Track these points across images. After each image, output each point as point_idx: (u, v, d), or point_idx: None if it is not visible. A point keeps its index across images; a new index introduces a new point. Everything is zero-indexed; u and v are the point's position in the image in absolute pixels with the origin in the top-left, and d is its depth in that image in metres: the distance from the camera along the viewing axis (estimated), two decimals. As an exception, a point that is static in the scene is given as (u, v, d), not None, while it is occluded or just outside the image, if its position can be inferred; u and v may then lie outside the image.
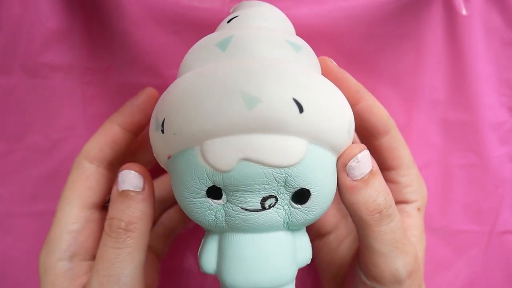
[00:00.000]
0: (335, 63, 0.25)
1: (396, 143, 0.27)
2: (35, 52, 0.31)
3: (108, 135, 0.26)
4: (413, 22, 0.32)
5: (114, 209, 0.24)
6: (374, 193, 0.22)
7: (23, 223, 0.34)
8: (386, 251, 0.23)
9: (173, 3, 0.30)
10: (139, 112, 0.27)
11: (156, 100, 0.24)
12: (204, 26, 0.29)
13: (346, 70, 0.26)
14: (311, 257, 0.23)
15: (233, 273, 0.21)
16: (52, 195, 0.34)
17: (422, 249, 0.27)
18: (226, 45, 0.21)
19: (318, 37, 0.30)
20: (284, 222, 0.21)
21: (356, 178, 0.22)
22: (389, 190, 0.23)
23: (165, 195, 0.31)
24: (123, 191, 0.24)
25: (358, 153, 0.21)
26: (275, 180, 0.19)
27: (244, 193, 0.20)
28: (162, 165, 0.23)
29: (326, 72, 0.24)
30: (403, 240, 0.23)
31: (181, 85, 0.20)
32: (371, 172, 0.22)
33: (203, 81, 0.19)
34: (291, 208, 0.21)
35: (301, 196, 0.20)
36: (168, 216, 0.32)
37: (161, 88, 0.24)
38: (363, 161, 0.22)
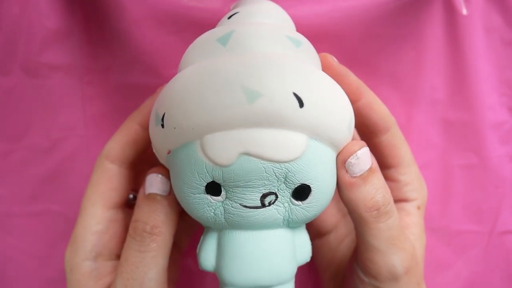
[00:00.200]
0: (335, 60, 0.25)
1: (397, 141, 0.26)
2: (35, 52, 0.31)
3: (128, 135, 0.26)
4: (413, 22, 0.32)
5: (140, 212, 0.24)
6: (373, 190, 0.22)
7: (23, 223, 0.34)
8: (383, 248, 0.23)
9: (173, 3, 0.30)
10: None
11: None
12: (204, 26, 0.29)
13: (346, 70, 0.26)
14: (310, 255, 0.23)
15: (232, 271, 0.21)
16: (52, 195, 0.34)
17: (422, 247, 0.27)
18: (227, 40, 0.21)
19: (318, 37, 0.30)
20: (283, 219, 0.21)
21: (355, 175, 0.22)
22: (387, 188, 0.23)
23: None
24: (149, 194, 0.24)
25: (357, 150, 0.21)
26: (275, 176, 0.19)
27: (243, 189, 0.20)
28: (162, 161, 0.23)
29: (326, 69, 0.24)
30: (400, 237, 0.23)
31: (181, 80, 0.20)
32: (370, 169, 0.22)
33: (203, 76, 0.19)
34: (291, 205, 0.21)
35: (301, 192, 0.20)
36: None
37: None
38: (363, 158, 0.22)
